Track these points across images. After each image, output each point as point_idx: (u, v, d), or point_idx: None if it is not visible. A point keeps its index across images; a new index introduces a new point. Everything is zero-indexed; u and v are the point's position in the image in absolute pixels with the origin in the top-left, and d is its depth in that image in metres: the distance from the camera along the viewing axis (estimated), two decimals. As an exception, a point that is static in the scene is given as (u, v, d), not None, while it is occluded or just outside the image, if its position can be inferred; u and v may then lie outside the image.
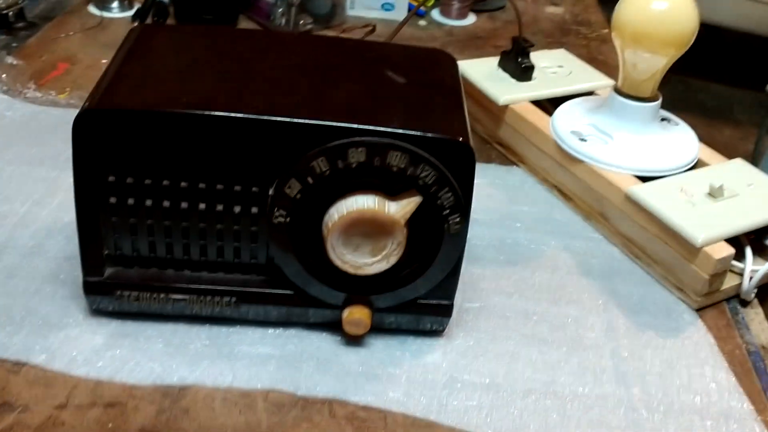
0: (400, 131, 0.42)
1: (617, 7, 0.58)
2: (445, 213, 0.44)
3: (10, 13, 0.79)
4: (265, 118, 0.42)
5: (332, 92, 0.45)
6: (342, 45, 0.51)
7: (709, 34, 2.46)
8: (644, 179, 0.58)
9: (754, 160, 1.55)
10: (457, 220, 0.44)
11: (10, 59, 0.73)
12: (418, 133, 0.42)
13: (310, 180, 0.42)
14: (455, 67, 0.50)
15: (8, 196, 0.56)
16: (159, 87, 0.44)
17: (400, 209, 0.43)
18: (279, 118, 0.42)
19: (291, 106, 0.43)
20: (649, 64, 0.58)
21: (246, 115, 0.42)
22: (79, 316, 0.47)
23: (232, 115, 0.41)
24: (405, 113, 0.43)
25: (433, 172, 0.42)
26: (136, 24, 0.83)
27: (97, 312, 0.47)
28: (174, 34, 0.50)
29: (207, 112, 0.42)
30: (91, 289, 0.46)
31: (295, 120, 0.42)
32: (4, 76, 0.70)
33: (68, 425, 0.41)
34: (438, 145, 0.42)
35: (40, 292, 0.49)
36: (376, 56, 0.49)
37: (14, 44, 0.77)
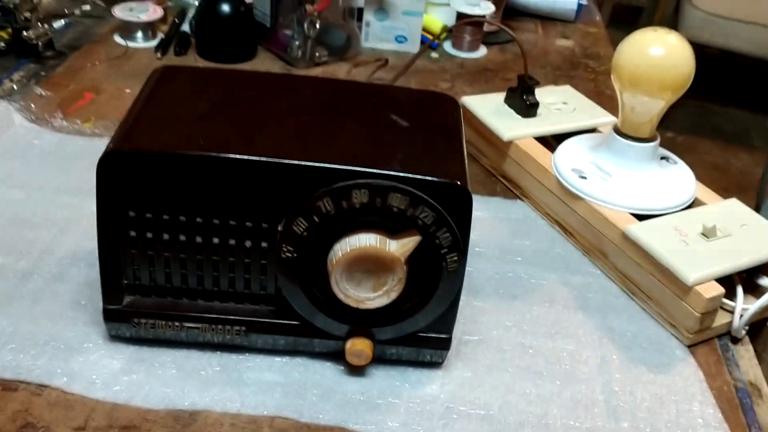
0: (401, 174, 0.44)
1: (617, 51, 0.60)
2: (443, 252, 0.46)
3: (40, 43, 0.83)
4: (276, 160, 0.44)
5: (339, 135, 0.48)
6: (350, 88, 0.54)
7: (727, 59, 2.48)
8: (641, 217, 0.60)
9: (758, 196, 1.54)
10: (455, 258, 0.46)
11: (39, 90, 0.77)
12: (418, 177, 0.44)
13: (316, 218, 0.45)
14: (457, 110, 0.53)
15: (36, 224, 0.60)
16: (177, 130, 0.47)
17: (400, 247, 0.45)
18: (288, 161, 0.44)
19: (300, 150, 0.45)
20: (647, 107, 0.60)
21: (258, 158, 0.44)
22: (99, 341, 0.50)
23: (245, 157, 0.44)
24: (406, 157, 0.46)
25: (431, 213, 0.45)
26: (158, 53, 0.87)
27: (116, 338, 0.50)
28: (193, 76, 0.53)
29: (222, 155, 0.44)
30: (110, 316, 0.49)
31: (303, 163, 0.44)
32: (33, 106, 0.73)
33: (86, 446, 0.44)
34: (437, 188, 0.45)
35: (63, 318, 0.52)
36: (382, 99, 0.52)
37: (43, 73, 0.81)
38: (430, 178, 0.45)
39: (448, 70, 0.92)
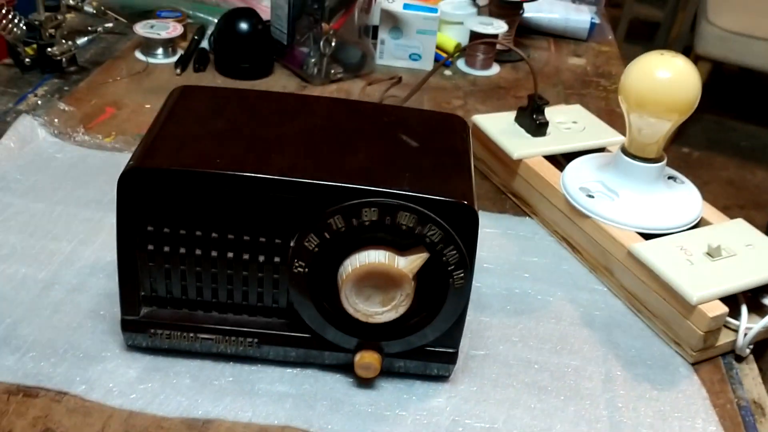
0: (410, 193, 0.46)
1: (625, 72, 0.62)
2: (450, 269, 0.47)
3: (64, 59, 0.85)
4: (288, 179, 0.46)
5: (350, 155, 0.49)
6: (362, 108, 0.55)
7: (744, 75, 2.47)
8: (647, 236, 0.61)
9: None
10: (461, 275, 0.48)
11: (61, 104, 0.79)
12: (426, 196, 0.46)
13: (327, 235, 0.47)
14: (466, 130, 0.55)
15: (56, 235, 0.62)
16: (195, 148, 0.48)
17: (408, 264, 0.47)
18: (301, 179, 0.46)
19: (312, 169, 0.47)
20: (654, 128, 0.61)
21: (271, 176, 0.46)
22: (116, 350, 0.52)
23: (259, 176, 0.46)
24: (415, 176, 0.47)
25: (439, 231, 0.46)
26: (178, 70, 0.89)
27: (133, 347, 0.52)
28: (211, 96, 0.55)
29: (237, 173, 0.46)
30: (127, 326, 0.51)
31: (315, 181, 0.46)
32: (56, 120, 0.76)
33: (102, 452, 0.46)
34: (444, 207, 0.46)
35: (82, 327, 0.53)
36: (393, 120, 0.54)
37: (66, 88, 0.83)
38: (437, 198, 0.46)
39: (461, 88, 0.93)
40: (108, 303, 0.55)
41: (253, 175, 0.46)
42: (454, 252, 0.47)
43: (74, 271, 0.58)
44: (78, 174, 0.69)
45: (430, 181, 0.48)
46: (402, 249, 0.47)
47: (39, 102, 0.80)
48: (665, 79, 0.60)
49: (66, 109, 0.78)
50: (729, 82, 2.61)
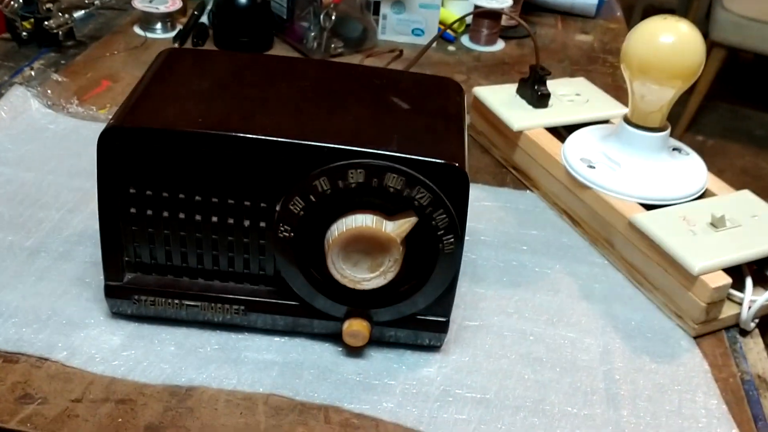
0: (398, 154, 0.44)
1: (626, 39, 0.60)
2: (439, 233, 0.46)
3: (61, 33, 0.84)
4: (273, 139, 0.45)
5: (338, 116, 0.48)
6: (354, 71, 0.54)
7: (760, 63, 2.43)
8: (650, 207, 0.59)
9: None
10: (451, 240, 0.46)
11: (56, 76, 0.78)
12: (415, 157, 0.44)
13: (312, 198, 0.45)
14: (461, 94, 0.53)
15: (45, 204, 0.61)
16: (179, 108, 0.47)
17: (396, 228, 0.45)
18: (285, 140, 0.45)
19: (297, 129, 0.46)
20: (657, 95, 0.59)
21: (255, 136, 0.45)
22: (100, 317, 0.51)
23: (243, 135, 0.45)
24: (404, 137, 0.46)
25: (428, 194, 0.45)
26: (176, 44, 0.88)
27: (117, 314, 0.51)
28: (198, 58, 0.54)
29: (220, 132, 0.45)
30: (111, 292, 0.50)
31: (300, 141, 0.45)
32: (50, 92, 0.75)
33: (81, 418, 0.44)
34: (434, 169, 0.44)
35: (67, 294, 0.52)
36: (386, 83, 0.52)
37: (63, 62, 0.82)
38: (426, 159, 0.45)
39: (464, 63, 0.92)
40: (94, 271, 0.54)
41: (236, 134, 0.45)
42: (444, 216, 0.45)
43: (62, 239, 0.57)
44: (70, 145, 0.68)
45: (419, 143, 0.46)
46: (390, 213, 0.46)
47: (33, 74, 0.79)
48: (668, 44, 0.58)
49: (60, 80, 0.77)
50: (744, 69, 2.56)
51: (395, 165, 0.44)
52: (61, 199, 0.61)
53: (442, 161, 0.45)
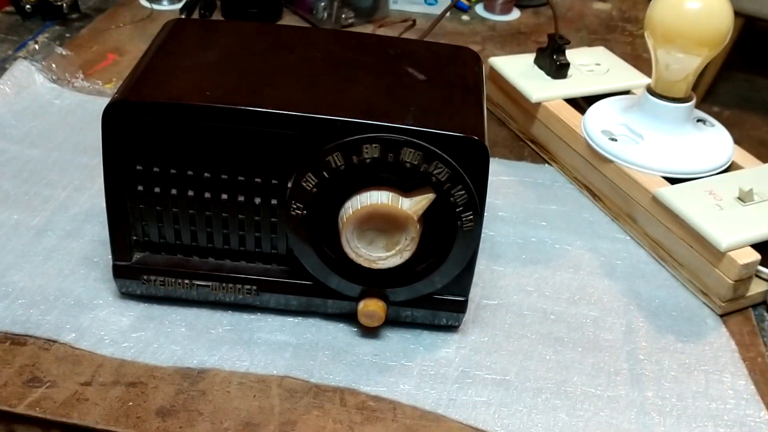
0: (414, 128, 0.42)
1: (650, 5, 0.57)
2: (458, 210, 0.44)
3: (65, 5, 0.82)
4: (284, 112, 0.43)
5: (352, 88, 0.46)
6: (367, 41, 0.51)
7: (778, 31, 2.38)
8: (674, 181, 0.57)
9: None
10: (470, 217, 0.44)
11: (60, 50, 0.76)
12: (432, 130, 0.42)
13: (326, 174, 0.43)
14: (479, 64, 0.51)
15: (51, 181, 0.59)
16: (186, 81, 0.45)
17: (413, 205, 0.43)
18: (297, 113, 0.43)
19: (310, 102, 0.44)
20: (682, 64, 0.57)
21: (266, 110, 0.43)
22: (109, 298, 0.50)
23: (253, 108, 0.43)
24: (421, 110, 0.44)
25: (446, 169, 0.43)
26: (183, 16, 0.85)
27: (126, 295, 0.50)
28: (205, 29, 0.52)
29: (229, 106, 0.43)
30: (119, 272, 0.49)
31: (313, 115, 0.43)
32: (54, 65, 0.73)
33: (91, 401, 0.43)
34: (452, 143, 0.43)
35: (74, 274, 0.51)
36: (400, 53, 0.50)
37: (67, 35, 0.80)
38: (444, 132, 0.43)
39: (479, 33, 0.89)
40: (102, 250, 0.53)
41: (245, 108, 0.43)
42: (463, 192, 0.44)
43: (68, 218, 0.56)
44: (76, 120, 0.67)
45: (437, 116, 0.44)
46: (407, 190, 0.44)
47: (37, 48, 0.77)
48: (695, 10, 0.55)
49: (65, 53, 0.75)
50: (761, 39, 2.51)
51: (412, 139, 0.42)
52: (67, 177, 0.60)
53: (461, 134, 0.43)
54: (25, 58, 0.73)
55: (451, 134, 0.43)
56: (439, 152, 0.42)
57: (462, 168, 0.43)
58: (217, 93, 0.44)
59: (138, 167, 0.45)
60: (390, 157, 0.43)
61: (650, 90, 0.60)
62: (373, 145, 0.43)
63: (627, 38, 0.91)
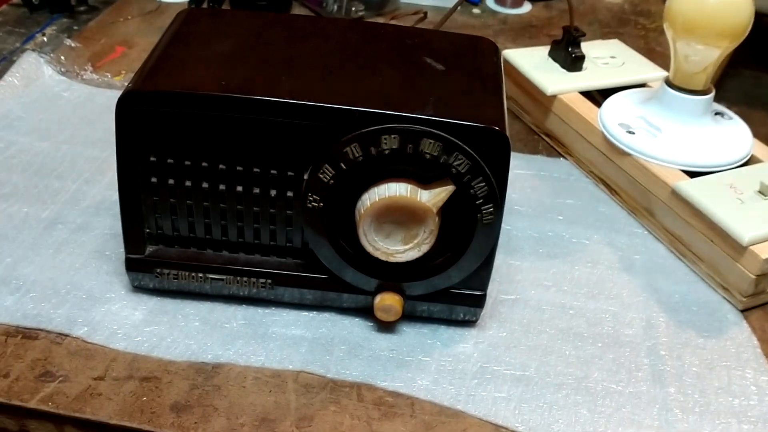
0: (434, 118, 0.41)
1: (670, -4, 0.56)
2: (478, 203, 0.43)
3: (73, -2, 0.82)
4: (301, 102, 0.42)
5: (369, 78, 0.45)
6: (383, 31, 0.51)
7: (785, 27, 2.36)
8: (693, 174, 0.56)
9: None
10: (491, 210, 0.43)
11: (69, 42, 0.75)
12: (452, 121, 0.42)
13: (343, 166, 0.43)
14: (497, 54, 0.50)
15: (61, 174, 0.58)
16: (200, 70, 0.44)
17: (432, 197, 0.43)
18: (314, 103, 0.42)
19: (327, 92, 0.43)
20: (702, 56, 0.56)
21: (282, 99, 0.42)
22: (122, 291, 0.49)
23: (269, 99, 0.42)
24: (440, 100, 0.43)
25: (466, 160, 0.42)
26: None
27: (139, 288, 0.49)
28: (219, 18, 0.51)
29: (244, 96, 0.42)
30: (132, 266, 0.48)
31: (330, 105, 0.42)
32: (63, 58, 0.72)
33: (104, 396, 0.43)
34: (472, 133, 0.42)
35: (86, 268, 0.50)
36: (417, 43, 0.49)
37: (75, 27, 0.80)
38: (465, 123, 0.42)
39: (490, 26, 0.88)
40: (114, 243, 0.52)
41: (261, 98, 0.42)
42: (483, 184, 0.43)
43: (79, 211, 0.55)
44: (85, 113, 0.66)
45: (456, 106, 0.43)
46: (425, 182, 0.43)
47: (45, 40, 0.76)
48: (715, 1, 0.54)
49: (74, 46, 0.74)
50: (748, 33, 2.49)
51: (431, 130, 0.41)
52: (77, 169, 0.59)
53: (482, 125, 0.42)
54: (33, 50, 0.72)
55: (471, 125, 0.42)
56: (460, 143, 0.42)
57: (482, 159, 0.42)
58: (233, 83, 0.43)
59: (152, 158, 0.44)
60: (409, 148, 0.42)
61: (668, 82, 0.59)
62: (392, 136, 0.42)
63: (640, 32, 0.90)
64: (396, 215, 0.43)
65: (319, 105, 0.42)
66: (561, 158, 0.66)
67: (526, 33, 0.87)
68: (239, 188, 0.45)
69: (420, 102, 0.43)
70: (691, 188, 0.54)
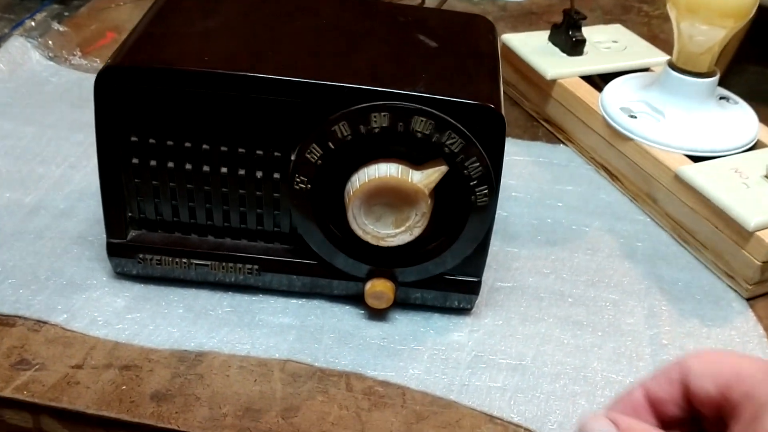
0: (426, 95, 0.40)
1: (674, -26, 0.54)
2: (472, 184, 0.41)
3: (64, -17, 0.80)
4: (286, 78, 0.40)
5: (359, 55, 0.43)
6: (375, 7, 0.49)
7: (791, 21, 2.34)
8: (696, 159, 0.54)
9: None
10: (485, 192, 0.42)
11: (58, 26, 0.74)
12: (445, 98, 0.40)
13: (331, 145, 0.41)
14: (494, 33, 0.48)
15: (45, 159, 0.57)
16: (183, 46, 0.43)
17: (424, 178, 0.41)
18: (300, 79, 0.40)
19: (314, 68, 0.41)
20: (706, 36, 0.54)
21: (267, 75, 0.40)
22: (103, 278, 0.47)
23: (254, 75, 0.40)
24: (433, 77, 0.41)
25: (459, 139, 0.40)
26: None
27: (121, 275, 0.47)
28: (205, -4, 0.49)
29: (228, 72, 0.40)
30: (114, 250, 0.46)
31: (317, 81, 0.40)
32: (51, 43, 0.71)
33: (82, 385, 0.41)
34: (466, 111, 0.40)
35: (67, 253, 0.49)
36: (410, 20, 0.47)
37: (66, 13, 0.78)
38: (458, 100, 0.40)
39: (489, 13, 0.86)
40: (98, 229, 0.50)
41: (246, 74, 0.40)
42: (477, 164, 0.41)
43: (63, 196, 0.53)
44: (72, 98, 0.64)
45: (450, 83, 0.41)
46: (417, 162, 0.42)
47: (34, 25, 0.75)
48: (721, -22, 0.52)
49: (62, 30, 0.73)
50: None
51: (423, 107, 0.40)
52: (62, 154, 0.57)
53: (476, 102, 0.40)
54: (20, 35, 0.71)
55: (465, 102, 0.40)
56: (452, 121, 0.40)
57: (476, 138, 0.40)
58: (217, 58, 0.41)
59: (133, 138, 0.43)
60: (400, 127, 0.40)
61: (672, 64, 0.57)
62: (382, 114, 0.40)
63: (643, 19, 0.88)
64: (387, 197, 0.41)
65: (305, 81, 0.40)
66: (561, 144, 0.64)
67: (525, 20, 0.85)
68: (224, 170, 0.43)
69: (411, 79, 0.41)
70: (695, 173, 0.52)
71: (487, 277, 0.49)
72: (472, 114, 0.40)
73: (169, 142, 0.43)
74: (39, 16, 0.77)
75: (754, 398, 0.27)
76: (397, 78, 0.41)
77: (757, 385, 0.27)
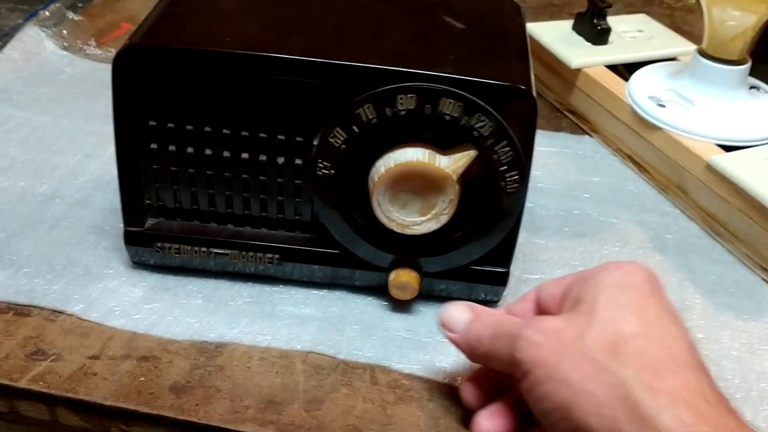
0: (454, 76, 0.38)
1: (705, -41, 0.53)
2: (502, 170, 0.40)
3: (78, -26, 0.79)
4: (310, 59, 0.39)
5: (384, 36, 0.42)
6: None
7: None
8: (728, 149, 0.52)
9: None
10: (515, 178, 0.40)
11: (73, 16, 0.73)
12: (474, 79, 0.38)
13: (355, 129, 0.39)
14: (520, 14, 0.47)
15: (60, 148, 0.56)
16: (204, 27, 0.42)
17: (452, 163, 0.39)
18: (324, 60, 0.39)
19: (338, 49, 0.40)
20: (738, 21, 0.52)
21: (290, 56, 0.39)
22: (120, 267, 0.46)
23: (276, 55, 0.39)
24: (461, 58, 0.40)
25: (489, 123, 0.39)
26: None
27: (139, 264, 0.46)
28: (225, -22, 0.48)
29: (250, 52, 0.39)
30: (131, 239, 0.45)
31: (342, 62, 0.39)
32: (65, 32, 0.70)
33: (99, 376, 0.40)
34: (496, 93, 0.39)
35: (83, 243, 0.48)
36: (435, 2, 0.46)
37: (80, 4, 0.77)
38: (488, 81, 0.39)
39: (509, 6, 0.85)
40: (114, 218, 0.49)
41: (268, 54, 0.39)
42: (507, 149, 0.40)
43: (78, 185, 0.52)
44: (87, 88, 0.63)
45: (479, 64, 0.40)
46: (445, 147, 0.40)
47: (48, 14, 0.74)
48: (754, -38, 0.51)
49: (77, 20, 0.72)
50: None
51: (451, 88, 0.38)
52: (77, 144, 0.56)
53: (507, 83, 0.39)
54: (35, 25, 0.70)
55: (495, 83, 0.38)
56: (482, 104, 0.38)
57: (507, 121, 0.39)
58: (238, 39, 0.40)
59: (151, 123, 0.41)
60: (427, 109, 0.39)
61: (702, 52, 0.55)
62: (409, 96, 0.39)
63: (666, 11, 0.86)
64: (413, 183, 0.40)
65: (329, 62, 0.39)
66: (585, 135, 0.63)
67: (547, 11, 0.84)
68: (244, 155, 0.42)
69: (439, 60, 0.40)
70: (727, 162, 0.50)
71: (514, 268, 0.47)
72: (502, 96, 0.39)
73: (189, 127, 0.41)
74: (53, 6, 0.76)
75: (594, 279, 0.34)
76: (423, 59, 0.40)
77: (595, 273, 0.34)
